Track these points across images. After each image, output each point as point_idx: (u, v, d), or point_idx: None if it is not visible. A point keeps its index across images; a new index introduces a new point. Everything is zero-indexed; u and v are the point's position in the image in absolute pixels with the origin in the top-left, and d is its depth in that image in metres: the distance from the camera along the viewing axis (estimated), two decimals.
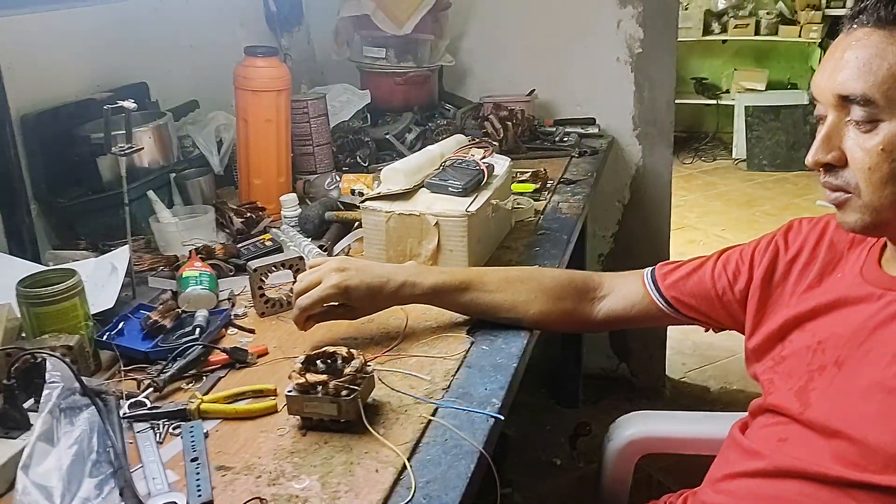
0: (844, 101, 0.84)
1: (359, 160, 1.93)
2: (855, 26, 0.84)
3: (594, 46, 2.33)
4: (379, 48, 2.18)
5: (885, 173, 0.82)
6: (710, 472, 1.03)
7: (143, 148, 1.46)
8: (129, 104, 1.20)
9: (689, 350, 2.87)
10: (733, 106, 5.28)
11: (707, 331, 1.18)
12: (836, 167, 0.86)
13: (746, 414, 1.04)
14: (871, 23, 0.82)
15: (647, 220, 2.49)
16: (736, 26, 5.23)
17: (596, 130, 2.30)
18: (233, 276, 1.36)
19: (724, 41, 5.41)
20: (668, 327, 2.59)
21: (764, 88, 5.24)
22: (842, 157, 0.85)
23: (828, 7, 5.00)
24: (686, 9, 5.22)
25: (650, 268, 1.19)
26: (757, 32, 5.23)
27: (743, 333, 1.08)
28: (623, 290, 1.19)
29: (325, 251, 1.45)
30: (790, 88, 5.31)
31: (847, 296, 0.93)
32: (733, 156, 5.32)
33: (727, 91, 5.48)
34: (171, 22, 1.87)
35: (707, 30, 5.31)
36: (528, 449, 2.33)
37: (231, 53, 1.68)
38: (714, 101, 5.42)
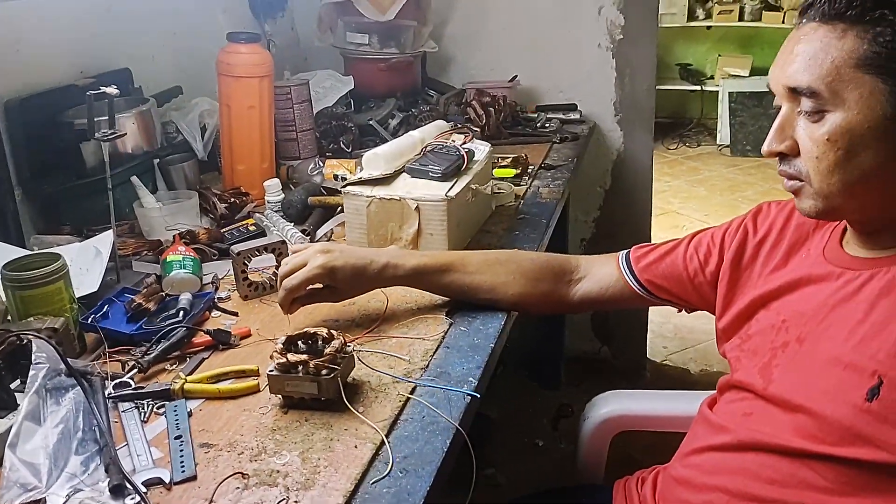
0: (794, 93, 0.87)
1: (342, 146, 1.95)
2: (804, 21, 0.88)
3: (576, 33, 2.36)
4: (362, 34, 2.20)
5: (831, 162, 0.85)
6: (680, 447, 1.06)
7: (125, 133, 1.47)
8: (112, 90, 1.22)
9: (670, 333, 2.92)
10: (717, 92, 5.32)
11: (680, 311, 1.22)
12: (790, 156, 0.90)
13: (715, 391, 1.08)
14: (817, 18, 0.86)
15: (628, 205, 2.52)
16: (720, 12, 5.27)
17: (577, 116, 2.33)
18: (216, 260, 1.39)
19: (709, 27, 5.44)
20: (650, 310, 2.64)
21: (748, 74, 5.28)
22: (794, 147, 0.89)
23: None
24: None
25: (625, 251, 1.22)
26: (741, 18, 5.27)
27: (714, 314, 1.12)
28: (599, 273, 1.22)
29: (307, 235, 1.47)
30: None
31: (809, 274, 0.96)
32: (717, 141, 5.36)
33: (711, 77, 5.51)
34: (155, 8, 1.87)
35: (692, 16, 5.35)
36: (511, 431, 2.37)
37: (214, 40, 1.69)
38: (698, 87, 5.46)
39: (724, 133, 5.29)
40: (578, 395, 2.45)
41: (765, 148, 0.90)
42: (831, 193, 0.87)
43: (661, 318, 2.87)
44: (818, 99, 0.85)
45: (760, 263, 1.05)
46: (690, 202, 4.43)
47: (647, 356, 2.75)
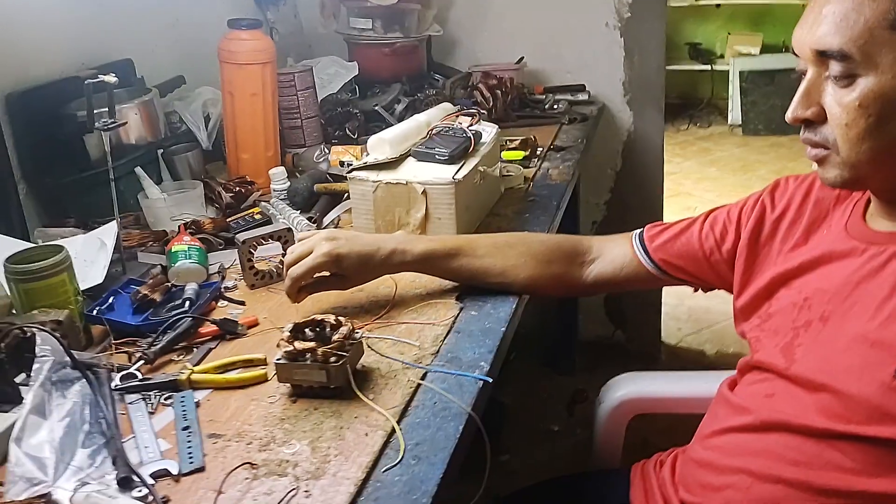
0: (822, 56, 0.83)
1: (348, 132, 1.92)
2: None
3: (583, 12, 2.31)
4: (365, 19, 2.16)
5: (861, 129, 0.81)
6: (700, 428, 1.04)
7: (126, 122, 1.45)
8: (111, 78, 1.20)
9: (684, 315, 2.88)
10: (728, 71, 5.24)
11: (696, 291, 1.19)
12: (816, 123, 0.86)
13: (735, 372, 1.05)
14: None
15: (640, 187, 2.48)
16: None
17: (586, 97, 2.29)
18: (223, 249, 1.37)
19: (718, 5, 5.36)
20: (663, 292, 2.60)
21: (758, 53, 5.20)
22: (821, 113, 0.85)
23: None
24: None
25: (638, 230, 1.20)
26: None
27: (731, 293, 1.09)
28: (612, 254, 1.19)
29: (314, 223, 1.45)
30: (785, 52, 5.26)
31: (832, 251, 0.93)
32: (729, 121, 5.29)
33: (722, 56, 5.43)
34: None
35: None
36: (526, 417, 2.35)
37: (216, 29, 1.66)
38: (709, 67, 5.38)
39: (735, 113, 5.22)
40: (593, 380, 2.42)
41: (789, 114, 0.87)
42: (859, 162, 0.83)
43: (675, 300, 2.83)
44: (849, 62, 0.81)
45: (779, 240, 1.02)
46: (702, 183, 4.38)
47: (662, 339, 2.72)
